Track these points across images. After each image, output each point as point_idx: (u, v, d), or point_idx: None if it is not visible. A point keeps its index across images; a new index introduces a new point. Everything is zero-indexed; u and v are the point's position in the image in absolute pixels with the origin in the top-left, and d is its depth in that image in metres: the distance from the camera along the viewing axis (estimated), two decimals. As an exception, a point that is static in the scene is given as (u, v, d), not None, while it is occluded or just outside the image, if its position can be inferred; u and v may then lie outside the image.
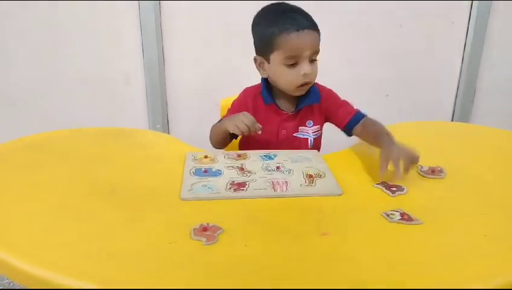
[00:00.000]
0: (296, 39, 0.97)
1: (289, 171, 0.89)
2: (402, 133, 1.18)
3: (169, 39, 1.84)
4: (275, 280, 0.56)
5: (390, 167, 0.85)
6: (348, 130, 1.08)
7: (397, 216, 0.72)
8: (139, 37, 1.81)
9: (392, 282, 0.56)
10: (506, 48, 2.02)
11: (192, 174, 0.86)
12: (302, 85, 1.02)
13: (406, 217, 0.72)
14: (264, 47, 1.02)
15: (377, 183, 0.84)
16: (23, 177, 0.85)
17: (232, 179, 0.84)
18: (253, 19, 1.06)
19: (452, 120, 2.12)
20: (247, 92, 1.12)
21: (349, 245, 0.65)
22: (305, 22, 0.98)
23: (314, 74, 1.03)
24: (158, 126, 1.91)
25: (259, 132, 0.99)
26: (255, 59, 1.07)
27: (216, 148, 1.11)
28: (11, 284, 1.45)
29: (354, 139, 1.11)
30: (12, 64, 1.83)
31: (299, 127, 1.09)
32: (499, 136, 1.19)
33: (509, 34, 2.00)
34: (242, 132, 0.97)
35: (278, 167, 0.90)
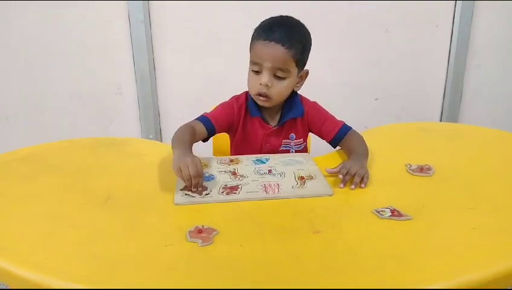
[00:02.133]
0: (259, 47, 0.99)
1: (281, 174, 0.91)
2: (391, 134, 1.22)
3: (160, 50, 1.86)
4: (271, 278, 0.58)
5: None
6: (335, 143, 1.08)
7: (388, 213, 0.74)
8: (130, 48, 1.83)
9: (385, 276, 0.58)
10: (490, 49, 2.07)
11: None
12: (260, 95, 1.03)
13: (396, 213, 0.73)
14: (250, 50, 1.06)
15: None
16: (19, 187, 0.86)
17: (225, 183, 0.86)
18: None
19: (440, 122, 2.16)
20: (235, 100, 1.12)
21: (341, 242, 0.67)
22: (277, 36, 0.97)
23: (277, 91, 1.02)
24: (151, 136, 1.93)
25: (198, 189, 0.84)
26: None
27: None
28: None
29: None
30: (3, 79, 1.83)
31: (283, 140, 1.10)
32: (486, 135, 1.21)
33: (493, 35, 2.05)
34: (182, 178, 0.83)
35: (269, 170, 0.92)
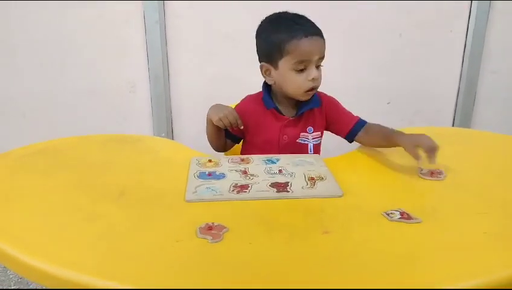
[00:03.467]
0: (306, 44, 1.00)
1: (291, 174, 0.91)
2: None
3: (174, 49, 1.88)
4: (280, 277, 0.58)
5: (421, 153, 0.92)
6: (351, 137, 1.11)
7: (397, 215, 0.74)
8: (145, 48, 1.85)
9: (393, 278, 0.58)
10: (505, 54, 2.05)
11: (196, 177, 0.89)
12: (310, 90, 1.05)
13: (405, 216, 0.74)
14: (272, 53, 1.04)
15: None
16: (34, 180, 0.88)
17: (235, 182, 0.86)
18: (258, 27, 1.09)
19: (453, 126, 2.14)
20: (248, 98, 1.16)
21: (351, 243, 0.67)
22: (312, 29, 1.02)
23: (320, 79, 1.06)
24: (163, 135, 1.94)
25: (241, 127, 1.06)
26: (261, 66, 1.09)
27: (217, 150, 1.16)
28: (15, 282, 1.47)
29: (353, 144, 1.13)
30: (20, 76, 1.87)
31: (301, 133, 1.11)
32: (499, 140, 1.21)
33: (507, 41, 2.03)
34: (224, 125, 1.04)
35: (280, 170, 0.93)
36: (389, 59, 2.01)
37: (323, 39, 1.03)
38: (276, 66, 1.05)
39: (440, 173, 0.92)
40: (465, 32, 1.99)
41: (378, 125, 1.10)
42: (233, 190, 0.83)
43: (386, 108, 2.07)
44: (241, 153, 1.19)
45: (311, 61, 1.01)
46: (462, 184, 0.89)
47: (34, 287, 1.45)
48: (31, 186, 0.86)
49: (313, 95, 1.08)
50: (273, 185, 0.85)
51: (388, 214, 0.74)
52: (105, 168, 0.96)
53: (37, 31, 1.82)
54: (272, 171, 0.92)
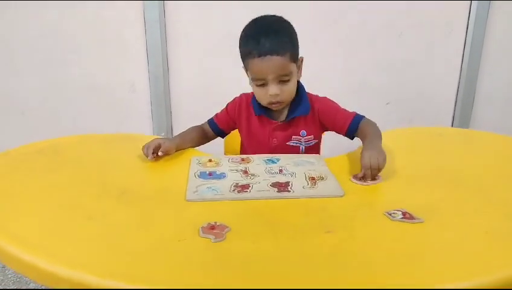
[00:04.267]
0: (258, 65, 0.99)
1: (292, 174, 0.91)
2: (404, 137, 1.22)
3: (174, 49, 1.88)
4: (283, 276, 0.58)
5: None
6: (350, 135, 1.10)
7: (399, 215, 0.74)
8: (144, 47, 1.85)
9: (395, 277, 0.58)
10: (504, 55, 2.05)
11: (197, 176, 0.89)
12: (273, 103, 1.04)
13: (407, 216, 0.73)
14: (243, 63, 1.05)
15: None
16: (35, 179, 0.88)
17: (236, 182, 0.86)
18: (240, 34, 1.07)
19: (452, 126, 2.15)
20: (242, 98, 1.16)
21: (353, 242, 0.67)
22: (268, 47, 0.97)
23: (287, 93, 1.03)
24: (163, 134, 1.94)
25: (149, 158, 0.97)
26: (243, 68, 1.08)
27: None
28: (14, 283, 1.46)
29: (356, 143, 1.13)
30: (20, 75, 1.87)
31: (293, 136, 1.10)
32: (498, 141, 1.21)
33: (506, 41, 2.03)
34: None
35: (280, 170, 0.93)
36: (388, 59, 2.01)
37: (282, 56, 0.98)
38: (247, 74, 1.06)
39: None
40: (465, 33, 2.00)
41: (367, 128, 1.05)
42: (234, 190, 0.83)
43: (386, 108, 2.07)
44: (241, 153, 1.19)
45: (266, 79, 1.00)
46: (464, 184, 0.89)
47: (33, 287, 1.44)
48: (31, 184, 0.85)
49: (300, 101, 1.08)
50: (274, 184, 0.85)
51: (390, 214, 0.74)
52: (106, 167, 0.96)
53: (36, 29, 1.81)
54: (272, 171, 0.92)
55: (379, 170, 0.88)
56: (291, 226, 0.71)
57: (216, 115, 1.20)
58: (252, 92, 1.12)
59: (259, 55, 0.97)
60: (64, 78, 1.88)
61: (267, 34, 0.98)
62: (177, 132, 2.00)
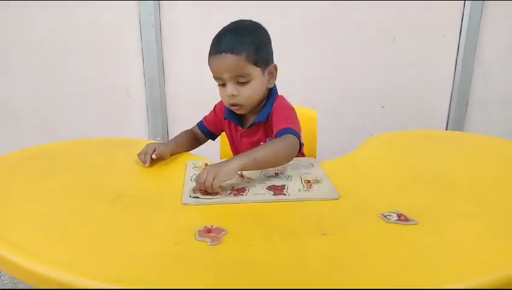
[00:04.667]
0: (213, 62, 1.00)
1: (287, 177, 0.92)
2: (398, 140, 1.23)
3: (169, 53, 1.89)
4: (279, 279, 0.58)
5: None
6: None
7: (394, 217, 0.74)
8: (140, 52, 1.85)
9: (390, 278, 0.58)
10: (497, 60, 2.08)
11: (193, 180, 0.89)
12: (233, 105, 1.03)
13: (402, 218, 0.74)
14: None
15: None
16: (30, 184, 0.88)
17: (232, 185, 0.87)
18: None
19: (446, 130, 2.16)
20: (220, 103, 1.17)
21: (348, 244, 0.67)
22: (224, 46, 0.97)
23: (245, 96, 1.01)
24: (158, 138, 1.94)
25: (146, 165, 0.97)
26: None
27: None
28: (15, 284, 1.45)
29: (350, 147, 1.14)
30: (15, 79, 1.86)
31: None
32: (491, 143, 1.22)
33: (499, 46, 2.06)
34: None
35: (276, 174, 0.93)
36: (383, 63, 2.03)
37: (238, 56, 0.96)
38: None
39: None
40: (458, 37, 2.02)
41: (271, 141, 0.95)
42: (230, 193, 0.83)
43: (381, 112, 2.09)
44: (233, 153, 1.20)
45: (222, 78, 1.00)
46: (457, 186, 0.90)
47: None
48: (26, 189, 0.85)
49: (262, 108, 1.06)
50: (270, 188, 0.86)
51: (385, 216, 0.75)
52: (102, 171, 0.96)
53: (32, 34, 1.81)
54: (268, 175, 0.93)
55: (212, 187, 0.81)
56: (287, 229, 0.71)
57: (204, 117, 1.21)
58: None
59: (215, 53, 0.99)
60: (60, 83, 1.88)
61: (229, 33, 1.00)
62: (172, 136, 2.00)
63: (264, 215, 0.77)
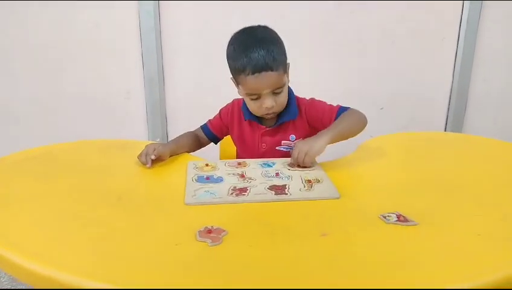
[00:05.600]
0: (252, 82, 0.98)
1: (288, 177, 0.92)
2: (398, 142, 1.24)
3: (169, 56, 1.89)
4: (280, 279, 0.59)
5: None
6: None
7: (394, 218, 0.75)
8: (140, 54, 1.86)
9: (390, 279, 0.59)
10: (495, 62, 2.09)
11: (194, 181, 0.89)
12: (267, 114, 1.05)
13: (402, 219, 0.74)
14: (232, 75, 1.05)
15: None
16: (31, 185, 0.88)
17: (234, 185, 0.87)
18: (229, 41, 1.06)
19: (445, 132, 2.17)
20: (234, 103, 1.18)
21: (348, 245, 0.68)
22: (262, 63, 0.96)
23: (280, 104, 1.04)
24: (158, 139, 1.95)
25: (147, 166, 0.97)
26: (231, 79, 1.07)
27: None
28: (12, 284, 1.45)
29: (349, 148, 1.14)
30: (15, 83, 1.86)
31: (282, 141, 1.11)
32: (490, 145, 1.23)
33: (497, 48, 2.07)
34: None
35: (277, 174, 0.94)
36: (382, 66, 2.04)
37: (277, 70, 0.98)
38: (237, 86, 1.06)
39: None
40: (457, 40, 2.03)
41: (341, 116, 1.05)
42: (232, 193, 0.83)
43: (380, 114, 2.09)
44: (237, 158, 1.20)
45: (262, 94, 1.01)
46: (457, 187, 0.90)
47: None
48: (27, 191, 0.85)
49: (287, 106, 1.08)
50: (271, 187, 0.86)
51: (385, 217, 0.75)
52: (103, 173, 0.96)
53: (32, 37, 1.82)
54: (269, 175, 0.93)
55: (304, 163, 0.94)
56: (287, 229, 0.72)
57: (209, 120, 1.21)
58: (242, 98, 1.13)
59: (254, 72, 0.97)
60: (60, 86, 1.88)
61: (259, 50, 0.97)
62: (172, 138, 2.00)
63: (265, 215, 0.77)
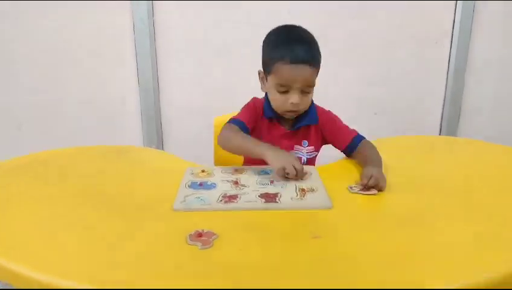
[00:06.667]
0: (288, 71, 0.99)
1: (282, 185, 0.91)
2: (391, 146, 1.24)
3: (164, 61, 1.90)
4: (270, 281, 0.59)
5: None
6: (348, 153, 1.11)
7: (359, 187, 0.87)
8: (135, 60, 1.86)
9: (382, 279, 0.59)
10: (488, 66, 2.10)
11: (187, 187, 0.89)
12: (290, 111, 1.05)
13: (365, 189, 0.86)
14: (264, 66, 1.06)
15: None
16: (27, 190, 0.88)
17: (225, 192, 0.87)
18: (267, 34, 1.08)
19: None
20: (256, 101, 1.13)
21: (341, 247, 0.68)
22: (302, 56, 0.98)
23: (304, 104, 1.05)
24: (153, 146, 1.94)
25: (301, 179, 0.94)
26: (259, 72, 1.09)
27: (230, 152, 1.07)
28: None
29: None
30: (15, 90, 1.87)
31: (295, 146, 1.11)
32: (483, 148, 1.24)
33: (490, 52, 2.08)
34: (286, 174, 0.92)
35: (271, 181, 0.93)
36: (375, 71, 2.05)
37: (314, 67, 1.00)
38: (266, 78, 1.07)
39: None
40: (450, 44, 2.04)
41: (367, 147, 1.07)
42: (221, 200, 0.83)
43: (373, 119, 2.10)
44: (244, 158, 1.17)
45: (291, 87, 1.01)
46: (450, 189, 0.91)
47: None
48: (23, 196, 0.86)
49: (307, 110, 1.09)
50: (262, 195, 0.85)
51: (351, 188, 0.87)
52: (97, 177, 0.96)
53: (30, 45, 1.82)
54: (263, 182, 0.92)
55: (376, 185, 0.88)
56: (278, 233, 0.72)
57: (241, 116, 1.08)
58: (263, 98, 1.12)
59: (292, 62, 0.98)
60: (58, 92, 1.88)
61: (302, 43, 1.00)
62: (167, 144, 2.01)
63: (256, 220, 0.77)
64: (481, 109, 2.16)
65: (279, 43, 1.02)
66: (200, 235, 0.69)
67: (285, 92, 1.02)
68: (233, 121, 1.06)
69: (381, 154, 1.03)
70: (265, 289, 0.57)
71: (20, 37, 1.80)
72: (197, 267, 0.62)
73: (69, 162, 1.07)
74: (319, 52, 1.04)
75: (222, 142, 1.04)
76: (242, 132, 1.03)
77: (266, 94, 1.12)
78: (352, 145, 1.09)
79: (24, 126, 1.91)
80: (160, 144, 1.98)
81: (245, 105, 1.13)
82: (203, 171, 0.98)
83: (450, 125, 2.14)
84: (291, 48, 0.99)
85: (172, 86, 1.94)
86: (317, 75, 1.04)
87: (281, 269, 0.62)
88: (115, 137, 1.95)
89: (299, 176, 0.92)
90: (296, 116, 1.10)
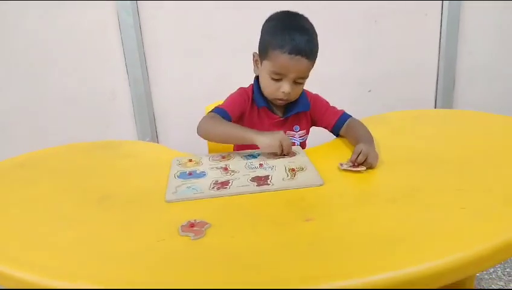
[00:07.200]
0: (285, 61, 0.99)
1: (272, 167, 0.91)
2: (385, 122, 1.23)
3: (152, 53, 1.88)
4: (263, 267, 0.58)
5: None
6: (336, 132, 1.13)
7: (348, 164, 0.87)
8: (122, 53, 1.84)
9: (376, 258, 0.59)
10: (480, 35, 2.07)
11: (176, 177, 0.89)
12: (280, 99, 1.06)
13: (355, 165, 0.86)
14: (261, 50, 1.06)
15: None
16: (19, 191, 0.88)
17: (216, 179, 0.86)
18: (268, 18, 1.07)
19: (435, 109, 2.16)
20: (243, 90, 1.13)
21: (334, 228, 0.67)
22: (302, 48, 0.98)
23: (295, 94, 1.06)
24: (148, 139, 1.94)
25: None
26: (253, 54, 1.09)
27: (212, 141, 1.11)
28: None
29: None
30: (2, 89, 1.84)
31: (288, 132, 1.12)
32: (478, 118, 1.23)
33: (482, 20, 2.05)
34: (276, 154, 0.96)
35: (260, 164, 0.93)
36: (366, 47, 2.02)
37: (311, 60, 1.01)
38: (261, 62, 1.07)
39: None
40: (440, 15, 2.01)
41: (356, 126, 1.08)
42: (213, 187, 0.83)
43: (368, 96, 2.09)
44: (234, 148, 1.17)
45: (286, 76, 1.01)
46: (442, 163, 0.90)
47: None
48: (13, 197, 0.85)
49: (298, 97, 1.09)
50: (254, 179, 0.85)
51: (341, 165, 0.87)
52: (87, 173, 0.96)
53: (13, 42, 1.79)
54: (252, 166, 0.92)
55: (367, 161, 0.87)
56: (271, 218, 0.71)
57: (225, 105, 1.08)
58: (251, 85, 1.12)
59: (291, 53, 0.98)
60: (45, 91, 1.86)
61: (303, 34, 0.99)
62: (162, 135, 2.00)
63: (248, 206, 0.76)
64: (476, 77, 2.14)
65: (280, 30, 1.01)
66: (192, 225, 0.68)
67: (278, 80, 1.02)
68: (216, 110, 1.06)
69: (375, 131, 1.03)
70: (258, 277, 0.56)
71: (3, 37, 1.78)
72: (189, 259, 0.61)
73: (59, 160, 1.06)
74: (318, 45, 1.04)
75: (203, 130, 1.03)
76: (225, 120, 1.03)
77: (254, 82, 1.11)
78: (339, 123, 1.10)
79: (13, 127, 1.89)
80: (154, 137, 1.97)
81: (230, 95, 1.13)
82: (190, 160, 0.98)
83: (445, 96, 2.13)
84: (291, 37, 0.98)
85: (162, 77, 1.92)
86: (312, 67, 1.04)
87: (274, 254, 0.61)
88: (107, 132, 1.94)
89: (285, 152, 0.96)
90: (288, 103, 1.10)
